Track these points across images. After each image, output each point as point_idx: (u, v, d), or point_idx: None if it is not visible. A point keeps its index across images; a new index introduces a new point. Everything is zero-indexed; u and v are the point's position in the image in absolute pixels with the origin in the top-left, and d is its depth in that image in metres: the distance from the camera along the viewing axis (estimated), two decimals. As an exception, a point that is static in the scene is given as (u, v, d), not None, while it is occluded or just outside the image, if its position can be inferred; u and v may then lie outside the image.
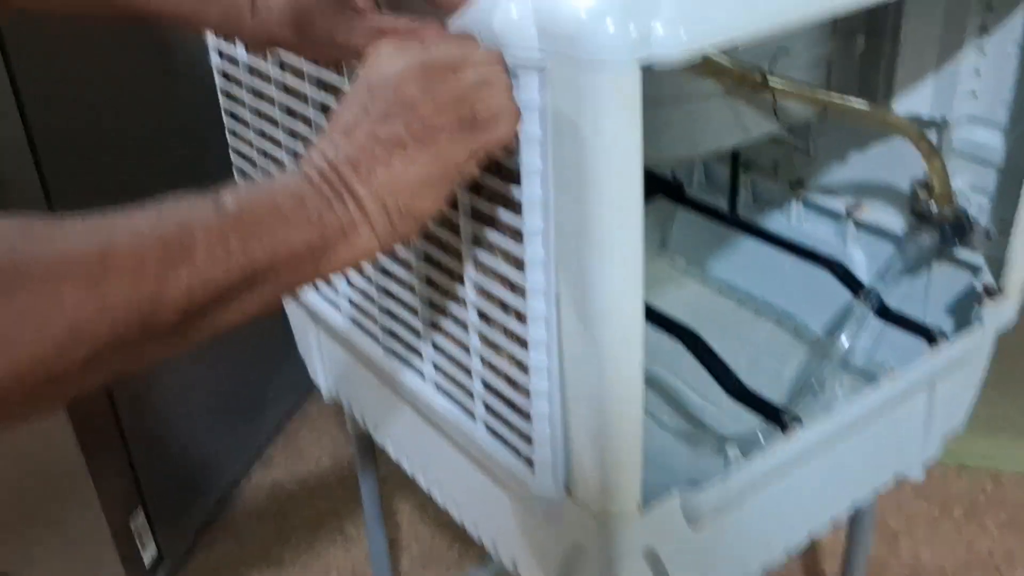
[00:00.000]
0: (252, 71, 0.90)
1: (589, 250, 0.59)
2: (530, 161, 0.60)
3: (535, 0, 0.55)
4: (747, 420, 0.87)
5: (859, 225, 1.10)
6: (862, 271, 1.11)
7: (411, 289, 0.80)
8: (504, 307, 0.69)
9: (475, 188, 0.67)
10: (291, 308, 1.13)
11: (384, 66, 0.51)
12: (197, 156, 1.34)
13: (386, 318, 0.86)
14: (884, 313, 0.93)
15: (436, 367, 0.81)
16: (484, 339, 0.73)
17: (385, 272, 0.83)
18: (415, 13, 0.59)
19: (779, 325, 1.22)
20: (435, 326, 0.79)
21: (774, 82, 0.83)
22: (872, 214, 1.09)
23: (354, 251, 0.49)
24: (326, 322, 0.98)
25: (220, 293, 0.43)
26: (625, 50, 0.53)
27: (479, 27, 0.58)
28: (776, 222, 1.18)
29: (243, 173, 1.03)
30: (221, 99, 0.99)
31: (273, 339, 1.58)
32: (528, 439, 0.70)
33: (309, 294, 0.98)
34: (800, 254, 1.04)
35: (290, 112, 0.85)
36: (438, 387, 0.82)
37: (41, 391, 0.37)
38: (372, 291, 0.86)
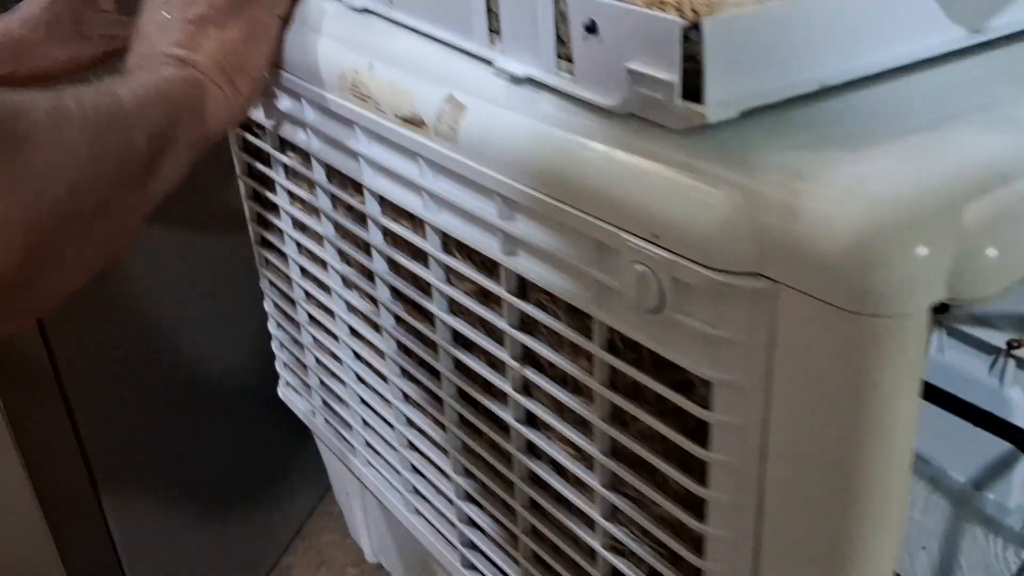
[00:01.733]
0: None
1: (822, 548, 0.40)
2: (726, 416, 0.41)
3: (755, 197, 0.36)
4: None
5: (1021, 364, 0.91)
6: (1021, 417, 0.92)
7: (511, 511, 0.60)
8: (653, 572, 0.50)
9: (619, 418, 0.48)
10: (328, 457, 0.94)
11: None
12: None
13: (470, 529, 0.66)
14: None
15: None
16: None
17: (468, 473, 0.64)
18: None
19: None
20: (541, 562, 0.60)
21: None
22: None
23: (214, 114, 0.56)
24: (382, 504, 0.79)
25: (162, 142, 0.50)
26: (916, 290, 0.34)
27: (629, 207, 0.39)
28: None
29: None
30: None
31: (288, 427, 1.41)
32: None
33: (361, 466, 0.79)
34: (972, 417, 0.84)
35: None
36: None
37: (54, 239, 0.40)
38: (450, 491, 0.67)
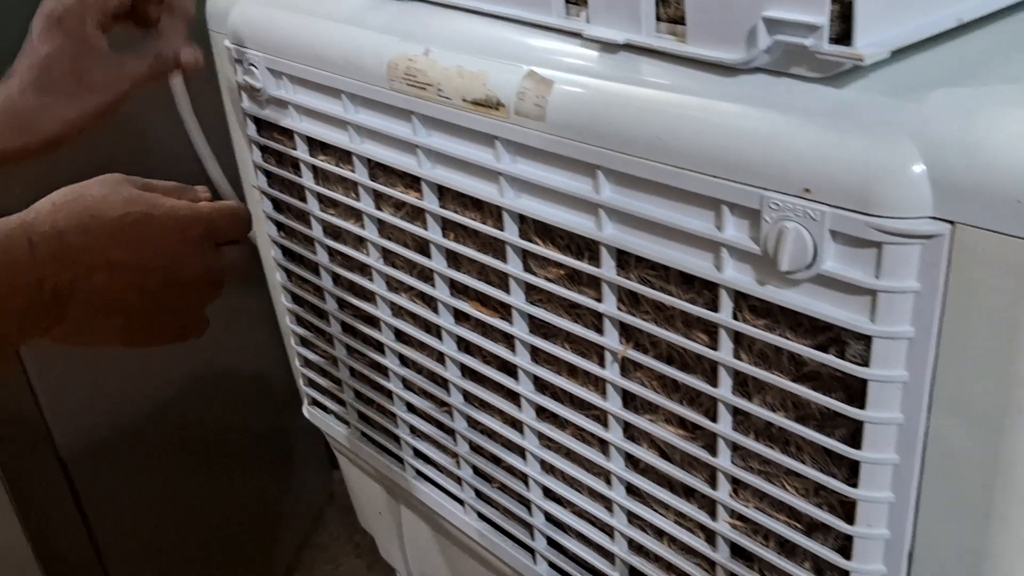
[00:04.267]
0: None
1: (995, 501, 0.39)
2: (888, 371, 0.39)
3: (929, 138, 0.35)
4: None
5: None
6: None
7: (606, 503, 0.58)
8: (784, 546, 0.48)
9: (743, 392, 0.47)
10: (356, 478, 0.90)
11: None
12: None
13: (552, 528, 0.64)
14: None
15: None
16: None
17: (551, 470, 0.62)
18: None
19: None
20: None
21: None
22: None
23: None
24: (430, 517, 0.76)
25: None
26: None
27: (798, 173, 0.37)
28: None
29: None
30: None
31: (269, 464, 1.38)
32: None
33: (411, 479, 0.76)
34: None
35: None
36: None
37: None
38: (527, 492, 0.64)
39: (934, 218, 0.36)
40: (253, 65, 0.68)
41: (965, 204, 0.35)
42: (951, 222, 0.35)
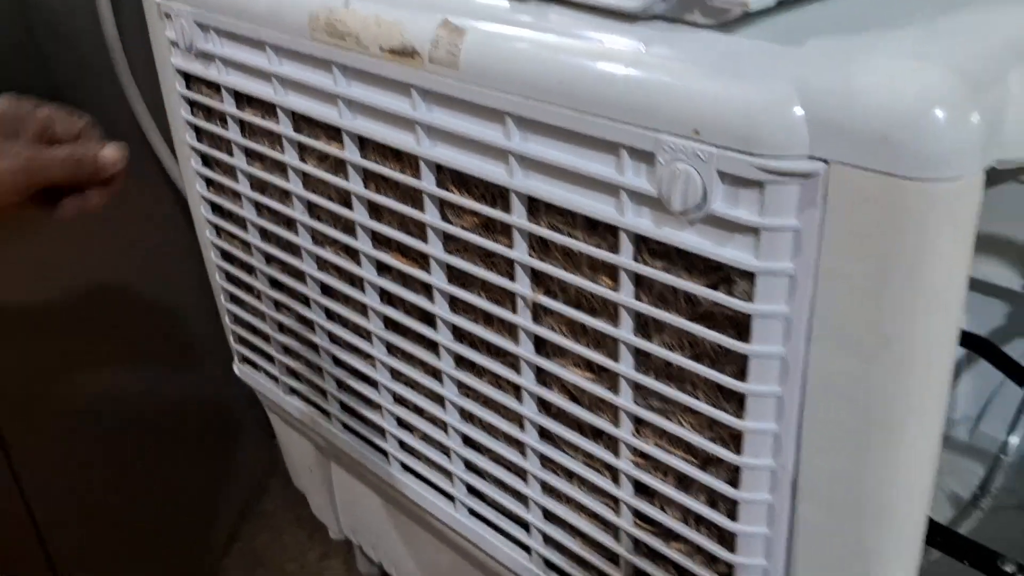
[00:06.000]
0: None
1: (870, 429, 0.41)
2: (771, 306, 0.41)
3: (806, 81, 0.37)
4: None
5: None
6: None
7: (520, 448, 0.60)
8: (682, 481, 0.51)
9: (644, 334, 0.49)
10: (287, 435, 0.91)
11: None
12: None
13: (473, 477, 0.65)
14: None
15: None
16: (644, 521, 0.54)
17: (470, 418, 0.63)
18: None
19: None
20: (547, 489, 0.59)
21: None
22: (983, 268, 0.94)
23: None
24: (358, 472, 0.77)
25: None
26: (971, 154, 0.35)
27: (678, 115, 0.39)
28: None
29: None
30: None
31: (209, 433, 1.37)
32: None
33: (338, 432, 0.77)
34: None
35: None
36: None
37: None
38: (449, 441, 0.66)
39: (811, 157, 0.38)
40: (181, 18, 0.68)
41: (838, 143, 0.37)
42: (826, 161, 0.37)
